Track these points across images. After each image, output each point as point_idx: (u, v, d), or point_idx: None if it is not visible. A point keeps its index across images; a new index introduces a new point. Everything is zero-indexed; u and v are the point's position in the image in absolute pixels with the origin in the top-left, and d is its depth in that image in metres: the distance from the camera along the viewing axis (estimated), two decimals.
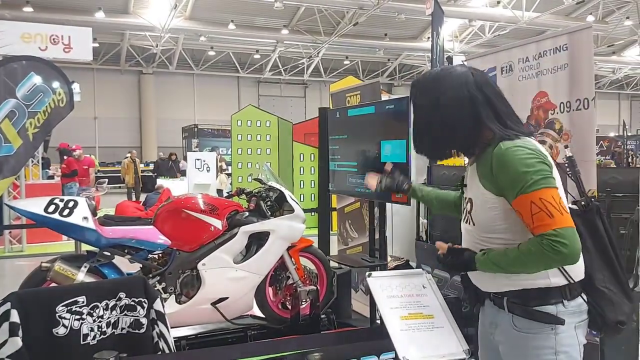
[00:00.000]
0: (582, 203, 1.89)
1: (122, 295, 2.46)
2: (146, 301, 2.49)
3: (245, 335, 3.79)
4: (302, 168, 10.34)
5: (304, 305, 3.90)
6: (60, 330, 2.36)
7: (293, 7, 21.18)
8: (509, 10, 19.85)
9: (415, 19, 21.21)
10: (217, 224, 3.60)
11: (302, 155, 10.21)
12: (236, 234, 3.62)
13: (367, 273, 2.43)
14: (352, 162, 3.88)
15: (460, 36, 24.15)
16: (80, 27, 9.04)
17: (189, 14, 20.86)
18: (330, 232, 5.35)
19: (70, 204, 3.26)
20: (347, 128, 4.10)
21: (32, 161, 13.92)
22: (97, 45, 24.06)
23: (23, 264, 7.64)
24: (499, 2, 19.88)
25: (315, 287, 3.89)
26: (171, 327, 3.60)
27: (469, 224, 1.88)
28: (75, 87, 15.52)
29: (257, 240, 3.74)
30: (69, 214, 3.22)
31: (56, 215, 3.19)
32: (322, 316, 4.08)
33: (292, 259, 3.90)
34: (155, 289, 3.44)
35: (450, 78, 1.85)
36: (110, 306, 2.43)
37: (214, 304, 3.57)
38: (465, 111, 1.79)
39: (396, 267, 5.71)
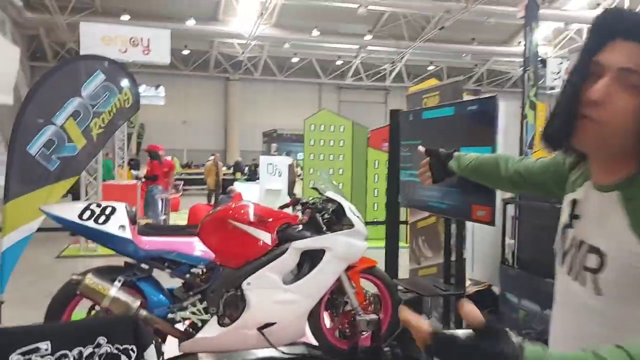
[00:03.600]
0: None
1: (101, 340, 1.94)
2: (134, 349, 1.97)
3: None
4: (376, 175, 9.78)
5: (364, 335, 3.39)
6: None
7: (377, 13, 20.84)
8: None
9: (506, 23, 20.05)
10: (266, 237, 3.18)
11: (377, 162, 9.65)
12: (286, 250, 3.18)
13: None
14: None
15: (555, 40, 22.59)
16: (159, 29, 9.08)
17: (274, 22, 21.09)
18: (401, 246, 4.81)
19: (108, 211, 2.97)
20: (421, 132, 3.58)
21: (120, 162, 14.42)
22: (188, 52, 25.12)
23: (96, 263, 7.67)
24: (599, 4, 18.30)
25: (377, 317, 3.37)
26: (213, 352, 3.23)
27: (590, 289, 1.06)
28: (161, 90, 16.04)
29: (311, 259, 3.28)
30: (105, 222, 2.93)
31: (90, 223, 2.90)
32: (385, 349, 3.55)
33: (352, 281, 3.40)
34: (196, 308, 3.08)
35: None
36: (85, 356, 1.89)
37: (260, 328, 3.15)
38: None
39: (477, 293, 5.05)
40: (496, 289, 4.99)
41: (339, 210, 3.38)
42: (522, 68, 6.38)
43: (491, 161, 1.70)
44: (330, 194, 3.43)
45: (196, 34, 21.50)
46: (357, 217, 3.41)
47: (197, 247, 3.11)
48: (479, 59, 26.59)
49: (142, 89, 14.02)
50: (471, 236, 5.16)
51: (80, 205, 2.95)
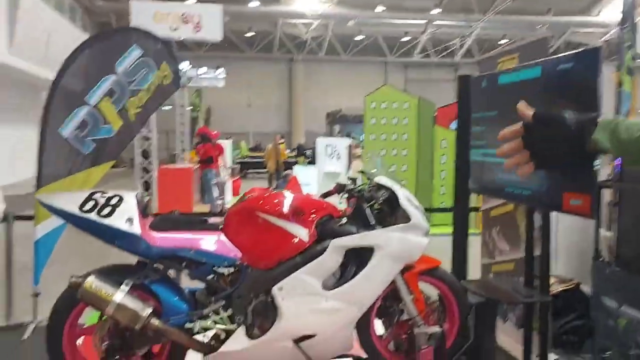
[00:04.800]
0: None
1: None
2: None
3: None
4: (444, 156, 8.96)
5: (425, 349, 2.77)
6: None
7: None
8: None
9: None
10: (302, 233, 2.61)
11: (444, 141, 8.83)
12: (326, 248, 2.61)
13: None
14: None
15: None
16: (210, 5, 8.68)
17: None
18: (472, 232, 4.13)
19: (114, 201, 2.50)
20: (497, 102, 2.90)
21: (181, 146, 14.38)
22: (252, 34, 25.00)
23: None
24: None
25: (440, 329, 2.74)
26: None
27: None
28: (220, 72, 15.82)
29: (357, 259, 2.69)
30: (109, 214, 2.47)
31: (93, 215, 2.45)
32: None
33: (409, 285, 2.78)
34: (219, 317, 2.58)
35: None
36: None
37: (296, 341, 2.61)
38: None
39: (563, 292, 4.28)
40: (586, 289, 4.22)
41: (392, 199, 2.75)
42: (607, 36, 5.40)
43: None
44: (381, 179, 2.80)
45: (260, 15, 21.30)
46: (415, 207, 2.77)
47: (219, 245, 2.60)
48: (555, 30, 24.78)
49: (202, 70, 13.84)
50: (555, 226, 4.38)
51: (82, 195, 2.51)
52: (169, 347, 2.60)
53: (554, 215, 3.77)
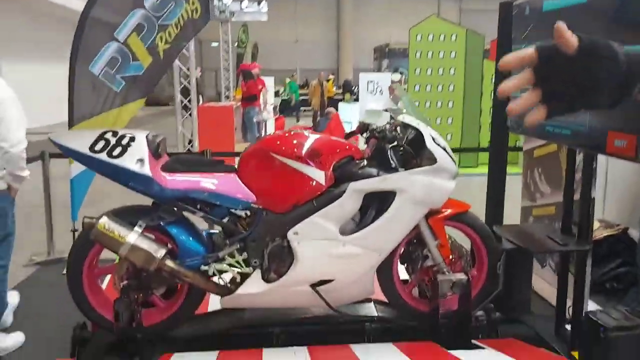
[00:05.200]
0: None
1: None
2: None
3: (362, 330, 2.73)
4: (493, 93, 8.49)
5: (450, 297, 2.66)
6: None
7: None
8: None
9: None
10: (319, 176, 2.48)
11: (494, 76, 8.32)
12: (344, 192, 2.47)
13: None
14: None
15: None
16: None
17: None
18: (514, 172, 3.90)
19: (125, 141, 2.43)
20: (542, 30, 2.62)
21: (226, 83, 14.29)
22: None
23: None
24: None
25: (465, 277, 2.60)
26: (260, 307, 2.72)
27: None
28: (263, 6, 15.35)
29: (379, 203, 2.55)
30: (120, 154, 2.41)
31: (103, 156, 2.40)
32: (479, 314, 2.81)
33: (434, 231, 2.64)
34: (234, 260, 2.53)
35: None
36: None
37: (314, 286, 2.54)
38: None
39: (608, 237, 4.04)
40: (635, 234, 3.96)
41: (418, 139, 2.56)
42: None
43: None
44: (405, 117, 2.60)
45: None
46: (443, 148, 2.57)
47: (234, 187, 2.51)
48: None
49: (244, 4, 13.48)
50: (604, 168, 4.07)
51: (94, 134, 2.45)
52: (187, 288, 2.59)
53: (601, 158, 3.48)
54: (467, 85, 8.56)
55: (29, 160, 3.32)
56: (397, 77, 9.78)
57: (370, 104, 8.92)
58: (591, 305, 3.35)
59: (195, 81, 8.87)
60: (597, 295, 3.60)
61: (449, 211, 2.66)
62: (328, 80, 17.96)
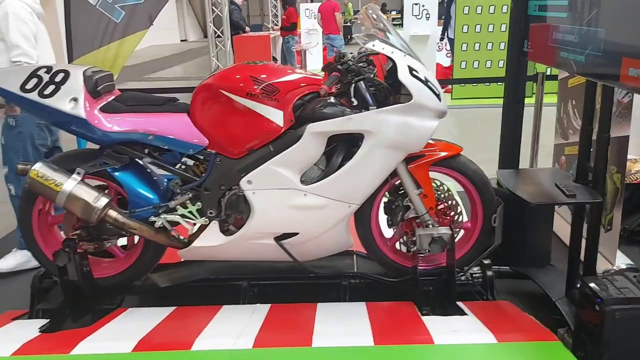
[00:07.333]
0: None
1: None
2: None
3: (339, 285, 2.47)
4: None
5: (427, 252, 2.33)
6: None
7: None
8: None
9: None
10: (276, 116, 2.15)
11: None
12: (302, 135, 2.13)
13: None
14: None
15: None
16: None
17: None
18: (550, 102, 3.37)
19: (59, 78, 2.18)
20: None
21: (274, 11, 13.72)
22: None
23: None
24: None
25: (449, 232, 2.24)
26: (225, 259, 2.49)
27: None
28: None
29: (346, 147, 2.20)
30: (52, 93, 2.16)
31: (33, 95, 2.16)
32: (475, 271, 2.47)
33: (416, 178, 2.27)
34: (187, 210, 2.29)
35: None
36: None
37: (278, 239, 2.28)
38: None
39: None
40: None
41: (394, 72, 2.14)
42: None
43: None
44: (376, 44, 2.16)
45: None
46: (424, 81, 2.14)
47: (183, 129, 2.22)
48: None
49: None
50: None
51: (26, 71, 2.21)
52: (143, 239, 2.40)
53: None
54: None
55: None
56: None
57: (414, 28, 8.20)
58: (621, 260, 2.90)
59: (234, 8, 8.45)
60: (628, 245, 3.12)
61: (435, 156, 2.27)
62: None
